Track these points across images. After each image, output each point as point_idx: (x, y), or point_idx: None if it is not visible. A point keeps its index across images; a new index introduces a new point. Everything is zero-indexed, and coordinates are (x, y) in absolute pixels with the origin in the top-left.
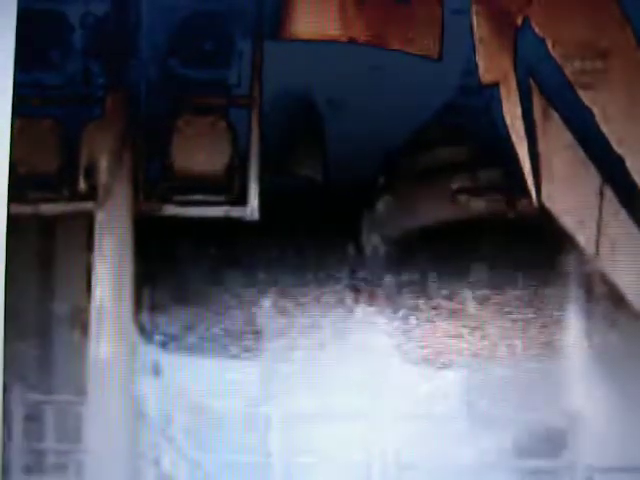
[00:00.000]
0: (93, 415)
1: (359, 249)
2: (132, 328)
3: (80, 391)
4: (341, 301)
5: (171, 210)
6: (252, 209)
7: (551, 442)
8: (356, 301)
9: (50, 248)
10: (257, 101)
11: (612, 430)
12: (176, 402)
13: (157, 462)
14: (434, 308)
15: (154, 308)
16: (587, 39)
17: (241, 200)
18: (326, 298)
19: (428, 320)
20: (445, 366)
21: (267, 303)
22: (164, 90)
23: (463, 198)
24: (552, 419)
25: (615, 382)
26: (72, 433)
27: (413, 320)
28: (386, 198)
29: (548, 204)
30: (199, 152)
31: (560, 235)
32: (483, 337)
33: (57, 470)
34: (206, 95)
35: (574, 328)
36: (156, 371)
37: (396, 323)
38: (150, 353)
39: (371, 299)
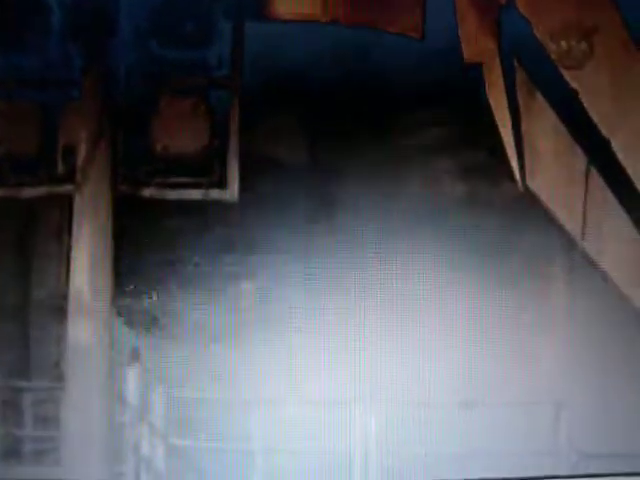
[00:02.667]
0: (72, 401)
1: (338, 230)
2: (111, 313)
3: (59, 377)
4: (322, 284)
5: (150, 193)
6: (232, 191)
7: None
8: (337, 286)
9: (28, 232)
10: (237, 82)
11: (600, 416)
12: (155, 388)
13: (136, 448)
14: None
15: (133, 292)
16: (572, 19)
17: (221, 182)
18: (307, 280)
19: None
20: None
21: (249, 286)
22: (144, 72)
23: (447, 179)
24: (539, 403)
25: (601, 366)
26: (50, 419)
27: (390, 301)
28: (368, 179)
29: (533, 186)
30: (179, 134)
31: (545, 217)
32: (465, 317)
33: (35, 456)
34: (186, 76)
35: (560, 311)
36: (135, 356)
37: (376, 302)
38: (129, 338)
39: (351, 281)
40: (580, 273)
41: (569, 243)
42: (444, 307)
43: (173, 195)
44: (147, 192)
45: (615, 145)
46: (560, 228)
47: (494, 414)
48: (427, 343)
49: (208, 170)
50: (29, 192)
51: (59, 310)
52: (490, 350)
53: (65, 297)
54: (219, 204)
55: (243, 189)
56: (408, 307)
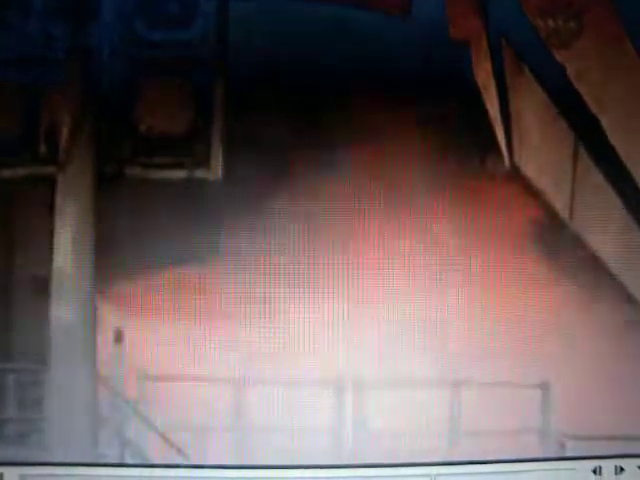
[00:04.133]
0: (55, 383)
1: (322, 210)
2: (94, 293)
3: (41, 358)
4: (305, 265)
5: (134, 172)
6: (215, 171)
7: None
8: (319, 265)
9: (10, 213)
10: (222, 62)
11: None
12: (138, 369)
13: (120, 430)
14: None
15: (116, 273)
16: None
17: (204, 162)
18: (290, 260)
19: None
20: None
21: (233, 265)
22: (127, 52)
23: (433, 156)
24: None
25: (590, 348)
26: (34, 401)
27: (374, 282)
28: (352, 157)
29: (520, 164)
30: (163, 114)
31: (533, 195)
32: (452, 297)
33: (19, 439)
34: (170, 57)
35: (548, 292)
36: (118, 338)
37: (360, 284)
38: (112, 319)
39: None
40: (567, 251)
41: (557, 221)
42: (430, 287)
43: (157, 175)
44: (131, 172)
45: (604, 123)
46: (548, 206)
47: (481, 395)
48: (413, 323)
49: (192, 150)
50: (11, 173)
51: (42, 291)
52: (477, 330)
53: (48, 278)
54: (202, 183)
55: (226, 168)
56: (392, 287)
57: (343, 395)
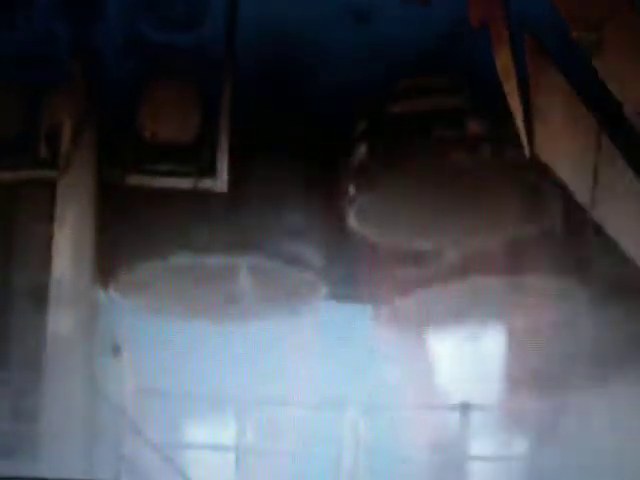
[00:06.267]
0: (50, 394)
1: (335, 217)
2: (93, 303)
3: (38, 369)
4: (314, 274)
5: (137, 180)
6: (221, 181)
7: None
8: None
9: (9, 217)
10: (230, 65)
11: None
12: (137, 381)
13: (117, 444)
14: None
15: (116, 282)
16: (579, 10)
17: (210, 171)
18: (299, 274)
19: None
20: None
21: (240, 276)
22: (133, 53)
23: (447, 148)
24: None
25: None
26: (28, 413)
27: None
28: (366, 146)
29: (541, 152)
30: (168, 119)
31: (554, 184)
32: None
33: (12, 452)
34: (177, 59)
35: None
36: (118, 349)
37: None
38: (111, 329)
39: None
40: (589, 242)
41: (577, 210)
42: (435, 306)
43: (160, 183)
44: (134, 179)
45: (628, 109)
46: (569, 195)
47: (486, 419)
48: (417, 346)
49: (197, 159)
50: (10, 176)
51: (40, 298)
52: (483, 351)
53: (46, 285)
54: (207, 193)
55: (233, 178)
56: (400, 305)
57: (343, 418)
